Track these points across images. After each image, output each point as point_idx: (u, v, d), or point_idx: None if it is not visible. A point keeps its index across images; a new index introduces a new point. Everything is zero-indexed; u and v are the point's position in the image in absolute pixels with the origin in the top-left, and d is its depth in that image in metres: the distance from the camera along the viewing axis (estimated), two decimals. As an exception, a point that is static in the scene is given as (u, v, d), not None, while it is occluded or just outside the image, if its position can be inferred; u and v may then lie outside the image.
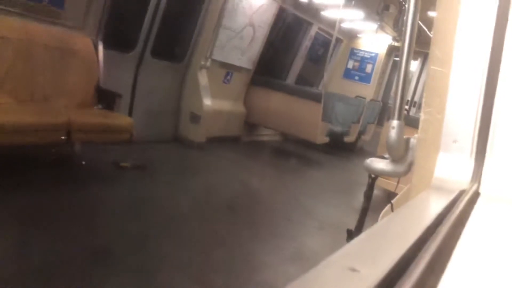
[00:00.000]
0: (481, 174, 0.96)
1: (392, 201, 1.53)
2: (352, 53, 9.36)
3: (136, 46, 4.92)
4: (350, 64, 9.37)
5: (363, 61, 9.25)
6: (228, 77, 6.44)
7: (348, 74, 9.40)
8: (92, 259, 2.39)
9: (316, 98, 6.35)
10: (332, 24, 7.04)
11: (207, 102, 5.64)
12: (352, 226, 1.87)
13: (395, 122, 1.09)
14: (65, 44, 3.87)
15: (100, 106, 4.03)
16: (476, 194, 0.92)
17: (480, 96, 0.93)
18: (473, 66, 0.94)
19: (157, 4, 4.87)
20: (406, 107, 7.97)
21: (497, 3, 0.92)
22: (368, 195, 1.70)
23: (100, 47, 4.18)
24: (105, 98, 4.05)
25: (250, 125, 7.18)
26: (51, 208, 2.89)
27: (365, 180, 1.79)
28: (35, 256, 2.26)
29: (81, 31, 4.07)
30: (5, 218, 2.60)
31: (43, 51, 3.68)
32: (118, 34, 4.85)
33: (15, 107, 3.34)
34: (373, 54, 9.14)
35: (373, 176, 1.60)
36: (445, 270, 0.49)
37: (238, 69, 6.51)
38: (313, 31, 7.89)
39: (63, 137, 3.30)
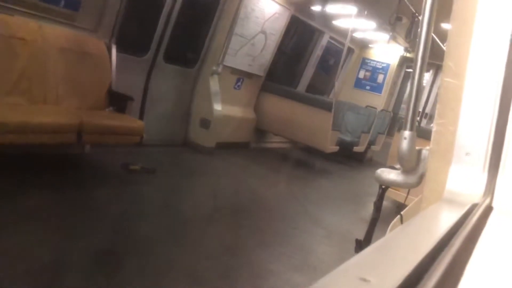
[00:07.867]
0: (494, 188, 0.94)
1: (402, 213, 1.52)
2: (364, 63, 9.33)
3: (149, 50, 4.97)
4: (361, 74, 9.34)
5: (374, 71, 9.22)
6: (239, 83, 6.46)
7: (359, 84, 9.37)
8: (98, 260, 2.40)
9: (327, 106, 6.34)
10: (344, 33, 7.03)
11: (218, 107, 5.66)
12: (359, 235, 1.85)
13: (407, 133, 1.08)
14: (79, 47, 3.92)
15: (111, 109, 4.07)
16: (489, 208, 0.91)
17: (494, 108, 0.92)
18: (488, 78, 0.93)
19: (171, 9, 4.91)
20: (417, 118, 7.90)
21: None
22: (378, 205, 1.69)
23: (114, 50, 4.22)
24: (117, 100, 4.09)
25: (259, 132, 7.19)
26: (58, 209, 2.91)
27: (373, 190, 1.78)
28: (41, 255, 2.27)
29: (95, 34, 4.12)
30: (13, 217, 2.62)
31: (57, 53, 3.73)
32: (132, 38, 4.91)
33: (28, 108, 3.39)
34: (384, 65, 9.10)
35: (383, 186, 1.59)
36: (458, 284, 0.49)
37: (249, 75, 6.53)
38: (324, 40, 7.90)
39: (74, 138, 3.33)
